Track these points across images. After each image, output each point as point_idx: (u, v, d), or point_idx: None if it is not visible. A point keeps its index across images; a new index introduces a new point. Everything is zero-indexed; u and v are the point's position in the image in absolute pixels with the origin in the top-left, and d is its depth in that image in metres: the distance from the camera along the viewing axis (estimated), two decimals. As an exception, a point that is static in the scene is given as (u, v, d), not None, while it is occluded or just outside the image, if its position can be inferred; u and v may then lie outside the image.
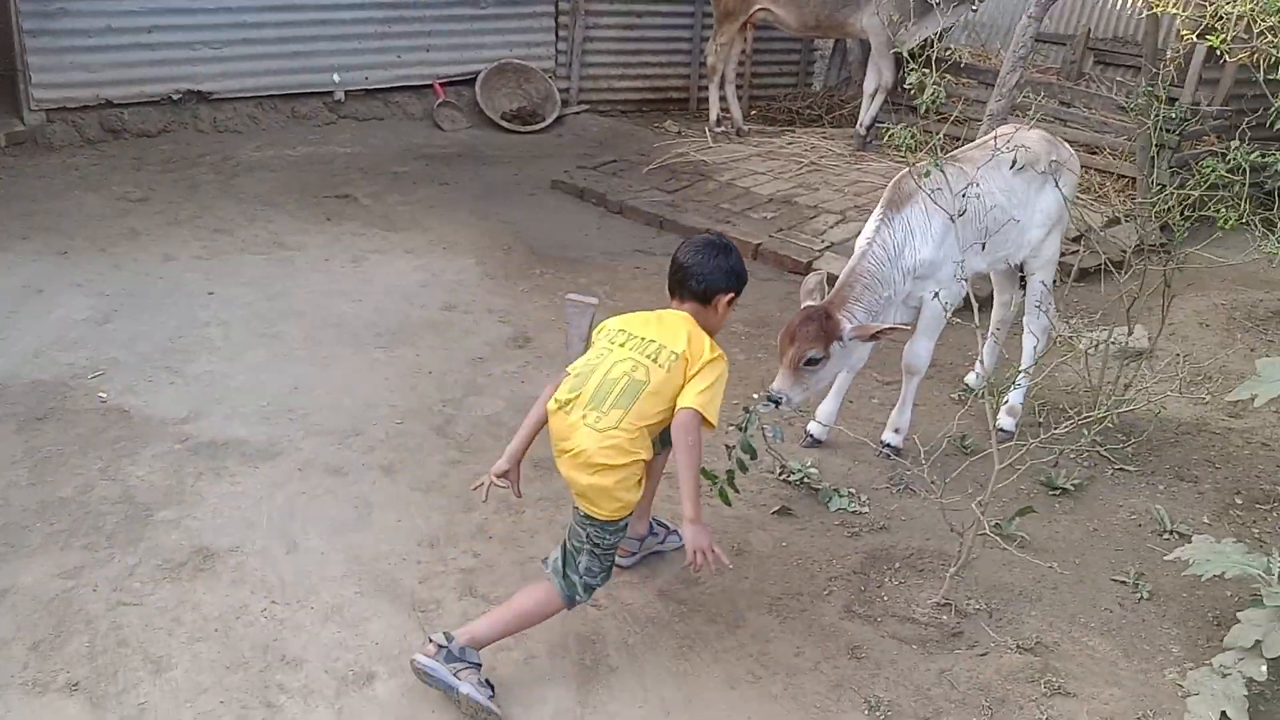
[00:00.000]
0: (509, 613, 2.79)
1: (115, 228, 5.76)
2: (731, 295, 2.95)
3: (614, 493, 2.70)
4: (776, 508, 3.59)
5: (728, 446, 3.57)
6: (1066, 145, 4.25)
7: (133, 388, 4.09)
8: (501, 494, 3.51)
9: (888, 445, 4.01)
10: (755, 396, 3.91)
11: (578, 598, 2.80)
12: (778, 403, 3.53)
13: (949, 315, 3.66)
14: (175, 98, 7.68)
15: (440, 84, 8.86)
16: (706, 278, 2.90)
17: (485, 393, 4.26)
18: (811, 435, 4.10)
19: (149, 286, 5.04)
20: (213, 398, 4.08)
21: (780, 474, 3.77)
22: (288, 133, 8.09)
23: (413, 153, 7.90)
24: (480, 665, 2.69)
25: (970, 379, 4.54)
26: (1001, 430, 4.03)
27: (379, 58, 8.59)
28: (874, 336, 3.53)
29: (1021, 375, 3.87)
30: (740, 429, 3.51)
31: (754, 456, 3.54)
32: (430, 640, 2.69)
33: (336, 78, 8.43)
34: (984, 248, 3.90)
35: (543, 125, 9.02)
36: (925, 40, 7.92)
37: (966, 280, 3.60)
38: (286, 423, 3.95)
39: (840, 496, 3.65)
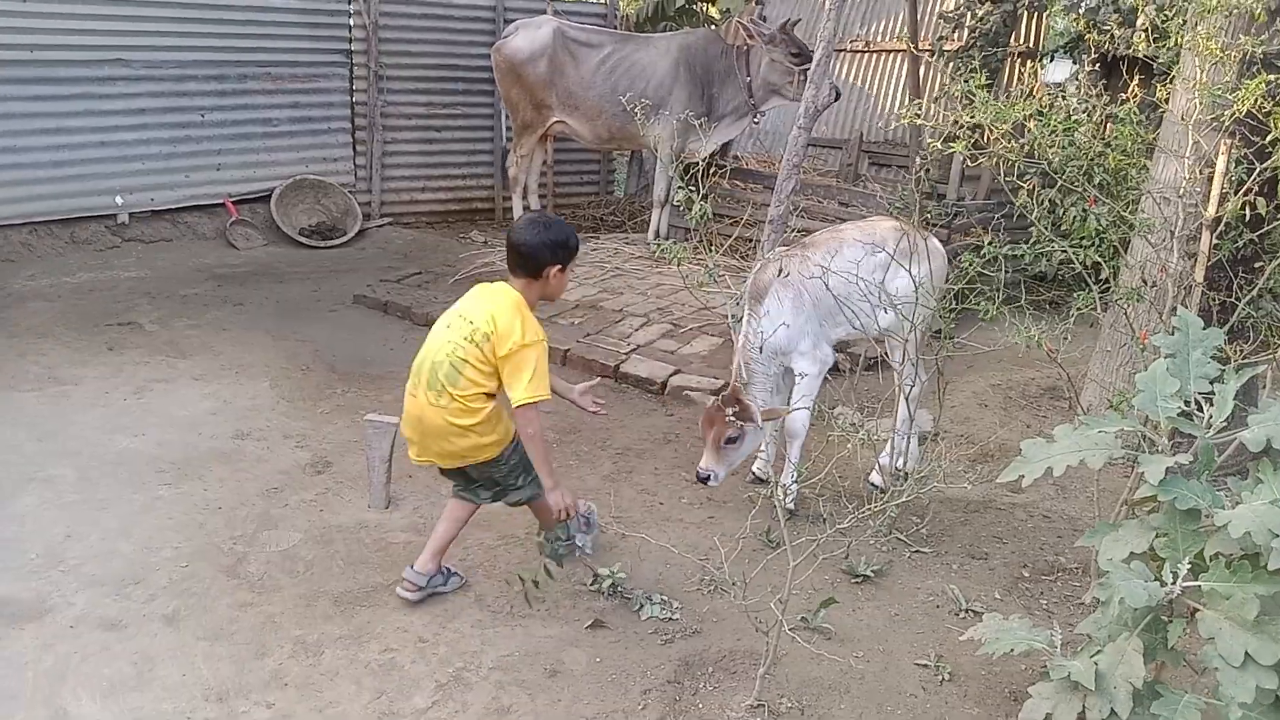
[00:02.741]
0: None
1: None
2: (559, 266, 3.38)
3: (479, 443, 3.33)
4: (590, 621, 3.53)
5: (539, 545, 3.56)
6: (928, 239, 4.50)
7: (-128, 551, 3.67)
8: (297, 634, 3.35)
9: (872, 485, 4.49)
10: (583, 501, 3.92)
11: (539, 497, 3.49)
12: (706, 480, 4.07)
13: (817, 381, 4.24)
14: (-66, 226, 7.17)
15: (232, 202, 8.62)
16: (533, 253, 3.33)
17: (281, 525, 4.04)
18: (754, 474, 4.60)
19: (-104, 435, 4.58)
20: (-30, 555, 3.71)
21: (593, 583, 3.72)
22: (66, 259, 7.65)
23: (204, 274, 7.61)
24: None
25: (756, 467, 4.67)
26: (872, 485, 4.51)
27: (166, 178, 8.32)
28: (776, 416, 4.18)
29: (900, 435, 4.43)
30: (547, 540, 3.51)
31: (560, 565, 3.56)
32: (405, 580, 3.49)
33: (119, 200, 8.08)
34: (836, 321, 4.35)
35: (344, 240, 8.89)
36: (712, 152, 8.38)
37: (829, 346, 4.30)
38: (57, 575, 3.62)
39: (652, 604, 3.62)
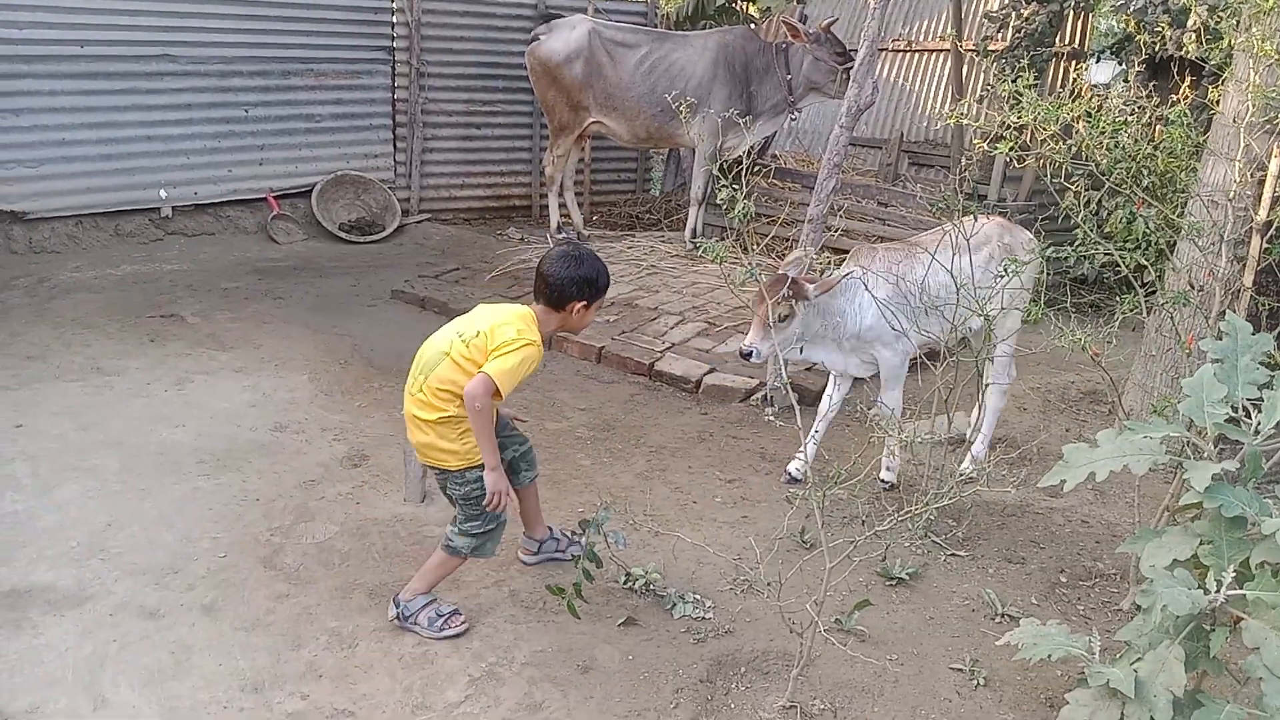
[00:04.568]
0: (427, 569, 3.44)
1: (-90, 359, 5.36)
2: (584, 303, 3.34)
3: (438, 444, 3.28)
4: (622, 619, 3.53)
5: (574, 556, 3.52)
6: (1024, 233, 4.52)
7: (-79, 536, 3.75)
8: (333, 626, 3.38)
9: (883, 481, 4.52)
10: (599, 504, 3.88)
11: (464, 550, 3.37)
12: (748, 356, 4.07)
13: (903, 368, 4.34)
14: (-14, 218, 7.31)
15: (274, 197, 8.72)
16: (559, 285, 3.31)
17: (317, 518, 4.08)
18: (790, 474, 4.56)
19: (-54, 422, 4.68)
20: (16, 541, 3.77)
21: (625, 582, 3.72)
22: (110, 252, 7.77)
23: (245, 267, 7.69)
24: (431, 599, 3.41)
25: (793, 467, 4.64)
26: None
27: (209, 172, 8.42)
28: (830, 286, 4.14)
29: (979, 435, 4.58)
30: (584, 537, 3.49)
31: (600, 565, 3.53)
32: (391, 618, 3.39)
33: (163, 193, 8.20)
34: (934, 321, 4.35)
35: (383, 235, 8.95)
36: (749, 149, 8.35)
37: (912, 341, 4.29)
38: (98, 564, 3.68)
39: (685, 603, 3.61)
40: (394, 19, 9.07)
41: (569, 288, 3.31)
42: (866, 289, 4.21)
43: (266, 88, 8.58)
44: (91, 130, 7.76)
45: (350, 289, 7.38)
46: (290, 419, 4.99)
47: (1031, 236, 4.49)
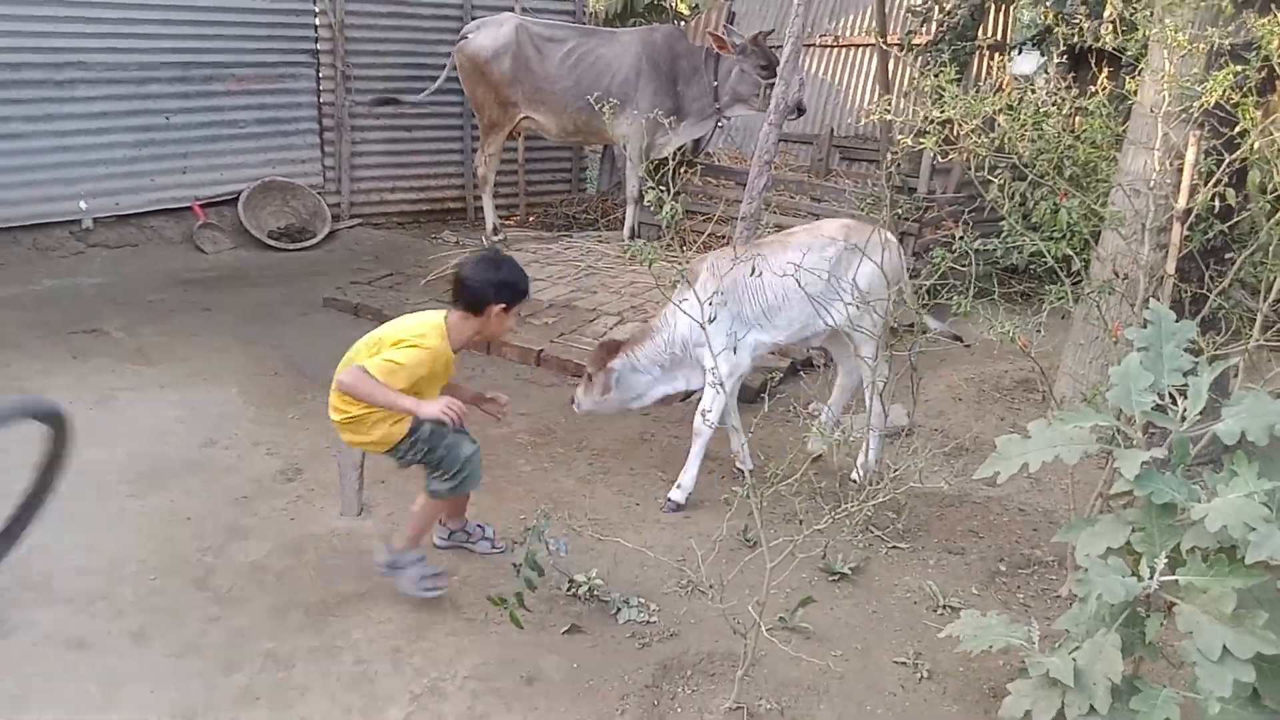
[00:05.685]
0: (416, 515, 3.58)
1: None
2: (503, 306, 3.39)
3: (357, 440, 3.52)
4: (567, 627, 3.49)
5: (515, 565, 3.48)
6: (878, 234, 4.42)
7: None
8: (269, 647, 3.30)
9: (670, 500, 4.40)
10: (540, 511, 3.84)
11: (445, 494, 3.51)
12: (572, 402, 4.47)
13: (724, 386, 4.14)
14: (-108, 236, 7.03)
15: (200, 205, 8.50)
16: (477, 289, 3.37)
17: (251, 536, 3.97)
18: (671, 500, 4.41)
19: None
20: (-71, 574, 3.62)
21: (569, 589, 3.68)
22: (30, 267, 7.52)
23: (171, 279, 7.50)
24: (421, 558, 3.57)
25: (740, 462, 4.67)
26: (853, 482, 4.52)
27: (130, 181, 8.18)
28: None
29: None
30: (525, 545, 3.45)
31: (541, 574, 3.48)
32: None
33: (83, 205, 7.95)
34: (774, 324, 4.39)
35: (313, 242, 8.79)
36: (680, 149, 8.34)
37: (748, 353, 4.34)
38: (19, 593, 3.54)
39: (629, 607, 3.59)
40: (316, 21, 8.89)
41: (487, 291, 3.37)
42: (678, 307, 4.14)
43: (187, 93, 8.35)
44: (4, 141, 7.49)
45: (281, 298, 7.23)
46: (220, 434, 4.86)
47: (891, 237, 4.46)
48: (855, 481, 4.48)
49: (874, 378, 4.40)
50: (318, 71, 9.00)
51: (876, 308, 4.29)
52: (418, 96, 8.98)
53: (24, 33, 7.45)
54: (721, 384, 4.02)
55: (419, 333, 3.37)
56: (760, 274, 4.14)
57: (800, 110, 6.89)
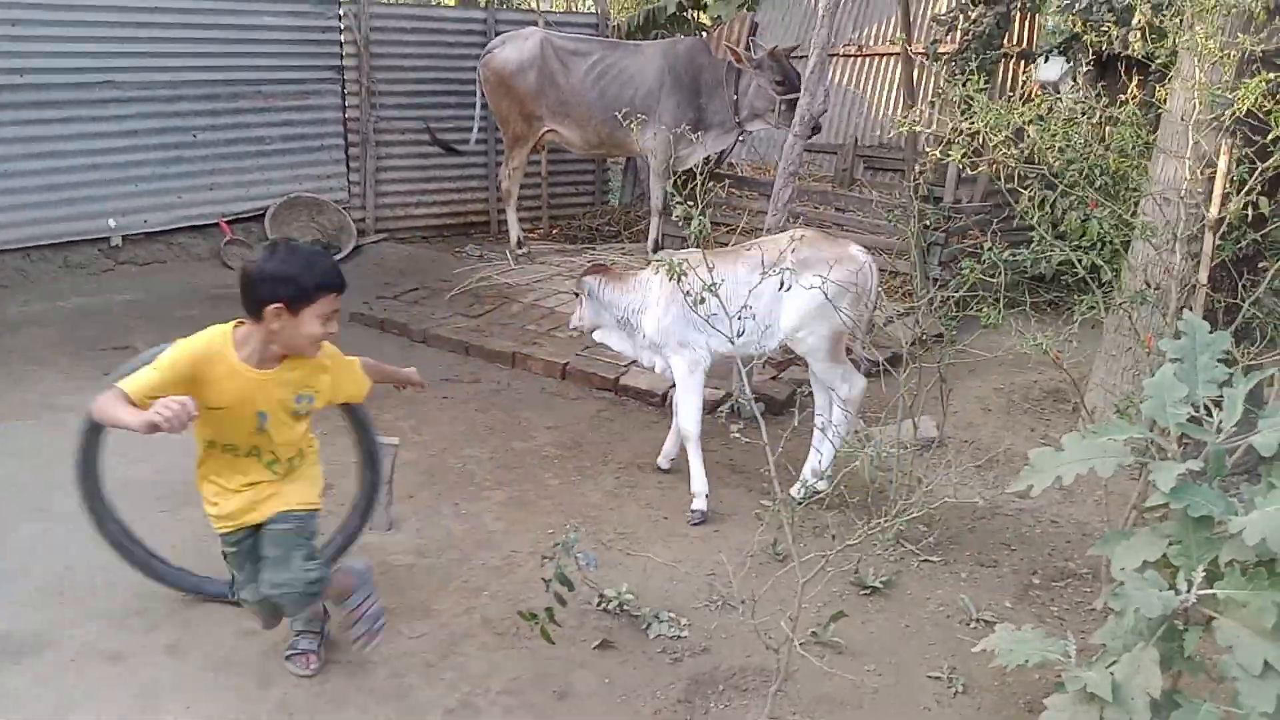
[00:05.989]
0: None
1: None
2: (279, 304, 2.73)
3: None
4: (598, 642, 3.49)
5: (545, 580, 3.49)
6: (835, 248, 4.39)
7: None
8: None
9: (694, 510, 4.41)
10: (569, 525, 3.84)
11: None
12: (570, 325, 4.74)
13: (686, 384, 4.39)
14: (-73, 255, 7.14)
15: (226, 222, 8.59)
16: (248, 286, 2.76)
17: (283, 550, 3.99)
18: (696, 511, 4.42)
19: (-108, 467, 4.54)
20: (-31, 589, 3.67)
21: (599, 603, 3.68)
22: (60, 284, 7.60)
23: (199, 295, 7.56)
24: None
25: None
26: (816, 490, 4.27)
27: (158, 199, 8.26)
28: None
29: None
30: (555, 560, 3.45)
31: (571, 589, 3.47)
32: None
33: (112, 223, 8.03)
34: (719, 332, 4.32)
35: (339, 257, 8.83)
36: (706, 160, 8.33)
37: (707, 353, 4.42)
38: (58, 608, 3.59)
39: (660, 622, 3.58)
40: (342, 38, 8.98)
41: (258, 287, 2.75)
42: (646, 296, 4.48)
43: (215, 111, 8.44)
44: (35, 160, 7.58)
45: (308, 313, 7.27)
46: (251, 449, 4.89)
47: (854, 254, 4.36)
48: (794, 497, 4.01)
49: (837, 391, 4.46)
50: (343, 88, 9.08)
51: (819, 327, 4.28)
52: (464, 146, 9.17)
53: (56, 53, 7.56)
54: (682, 382, 4.35)
55: (186, 342, 2.90)
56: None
57: (816, 129, 6.81)
